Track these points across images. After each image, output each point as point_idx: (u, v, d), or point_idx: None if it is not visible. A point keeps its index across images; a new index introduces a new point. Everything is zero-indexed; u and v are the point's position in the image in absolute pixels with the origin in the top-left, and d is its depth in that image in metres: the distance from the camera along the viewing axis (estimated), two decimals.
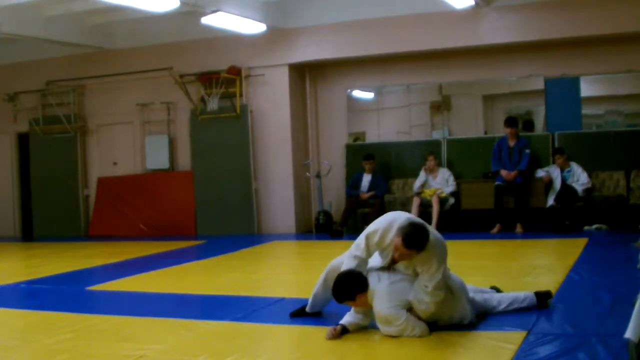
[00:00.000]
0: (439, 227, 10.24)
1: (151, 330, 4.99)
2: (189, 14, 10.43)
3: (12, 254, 11.13)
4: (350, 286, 4.41)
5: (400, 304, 4.38)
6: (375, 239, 4.51)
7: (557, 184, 10.11)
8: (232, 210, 11.81)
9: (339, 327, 4.47)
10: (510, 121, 10.51)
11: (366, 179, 11.24)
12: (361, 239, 4.57)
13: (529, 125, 11.31)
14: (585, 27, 10.03)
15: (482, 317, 4.75)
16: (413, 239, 4.24)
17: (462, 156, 11.19)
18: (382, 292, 4.41)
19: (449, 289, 4.49)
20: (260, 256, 9.43)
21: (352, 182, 11.38)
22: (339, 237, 10.57)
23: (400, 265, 4.50)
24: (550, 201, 10.03)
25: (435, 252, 4.35)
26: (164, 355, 4.27)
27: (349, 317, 4.55)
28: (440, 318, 4.49)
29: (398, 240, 4.28)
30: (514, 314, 4.84)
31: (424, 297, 4.34)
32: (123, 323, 5.26)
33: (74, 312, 5.68)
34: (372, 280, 4.48)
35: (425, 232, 4.31)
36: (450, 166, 11.06)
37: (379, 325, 4.44)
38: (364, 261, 4.56)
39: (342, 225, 10.95)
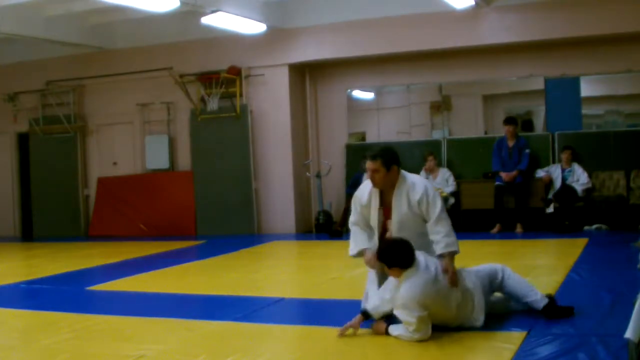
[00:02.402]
0: None
1: (151, 330, 4.99)
2: (189, 14, 10.43)
3: (12, 254, 11.13)
4: (395, 254, 4.39)
5: (427, 302, 4.31)
6: (357, 200, 4.81)
7: (558, 184, 10.12)
8: (232, 210, 11.80)
9: (359, 317, 4.48)
10: (509, 119, 10.52)
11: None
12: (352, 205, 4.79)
13: (528, 125, 11.31)
14: (585, 27, 10.02)
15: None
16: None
17: (462, 156, 11.19)
18: (420, 281, 4.34)
19: (464, 290, 4.50)
20: (260, 256, 9.43)
21: (352, 182, 11.36)
22: (339, 237, 10.56)
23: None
24: (550, 209, 10.01)
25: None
26: (164, 355, 4.27)
27: (374, 301, 4.54)
28: (448, 322, 4.48)
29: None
30: (515, 314, 4.84)
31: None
32: (123, 323, 5.26)
33: (74, 312, 5.68)
34: (420, 261, 4.44)
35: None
36: (450, 166, 11.06)
37: (393, 303, 4.39)
38: (361, 228, 4.77)
39: (342, 225, 10.93)
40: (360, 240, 4.77)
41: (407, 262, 4.37)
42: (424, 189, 4.62)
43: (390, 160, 4.68)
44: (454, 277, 4.49)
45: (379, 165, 4.64)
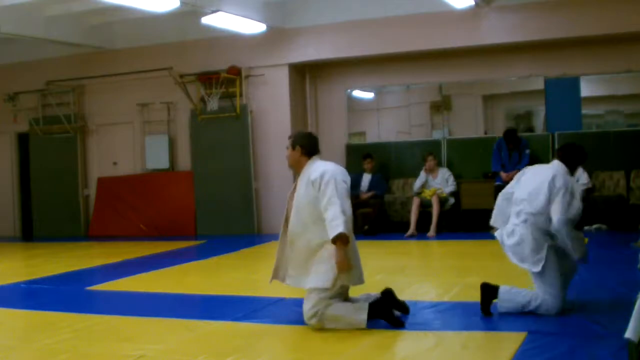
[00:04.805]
0: (439, 227, 10.29)
1: (151, 330, 4.99)
2: (189, 14, 10.43)
3: (12, 254, 11.13)
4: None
5: None
6: None
7: None
8: (232, 210, 11.80)
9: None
10: (509, 137, 10.35)
11: (366, 178, 11.24)
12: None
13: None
14: (585, 27, 10.02)
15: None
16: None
17: (462, 156, 11.19)
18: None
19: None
20: (260, 256, 9.42)
21: (352, 182, 11.33)
22: None
23: None
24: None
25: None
26: (164, 355, 4.27)
27: None
28: None
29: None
30: (514, 315, 4.84)
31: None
32: (123, 323, 5.26)
33: (74, 312, 5.68)
34: None
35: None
36: (450, 166, 11.06)
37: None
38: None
39: None
40: None
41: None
42: (322, 172, 4.67)
43: (296, 141, 4.90)
44: (341, 264, 4.52)
45: (288, 144, 4.93)
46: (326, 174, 4.65)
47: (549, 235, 4.81)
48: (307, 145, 4.87)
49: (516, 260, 4.92)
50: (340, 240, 4.49)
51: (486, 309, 4.87)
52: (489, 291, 4.90)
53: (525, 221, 4.87)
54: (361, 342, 4.37)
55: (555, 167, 4.97)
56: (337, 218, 4.49)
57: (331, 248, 4.56)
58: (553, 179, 4.83)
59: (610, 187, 10.24)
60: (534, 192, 4.87)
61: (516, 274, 6.55)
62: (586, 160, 5.24)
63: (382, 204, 10.97)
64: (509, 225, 5.00)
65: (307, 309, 4.65)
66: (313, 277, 4.66)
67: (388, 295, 4.83)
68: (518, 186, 5.09)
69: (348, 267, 4.57)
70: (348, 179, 4.76)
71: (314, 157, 4.86)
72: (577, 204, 4.77)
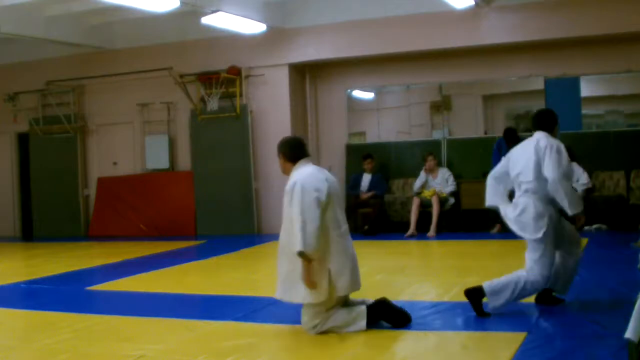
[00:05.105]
0: (439, 227, 10.29)
1: (151, 330, 4.99)
2: (189, 14, 10.43)
3: (12, 254, 11.13)
4: None
5: None
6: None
7: None
8: (232, 210, 11.80)
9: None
10: (509, 136, 10.34)
11: (366, 178, 11.24)
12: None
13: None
14: (585, 27, 10.02)
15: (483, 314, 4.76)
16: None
17: (462, 156, 11.19)
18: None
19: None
20: (260, 256, 9.42)
21: (352, 182, 11.38)
22: None
23: None
24: None
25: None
26: (164, 355, 4.27)
27: None
28: None
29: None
30: (514, 315, 4.84)
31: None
32: (123, 323, 5.26)
33: (74, 312, 5.68)
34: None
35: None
36: (450, 166, 11.06)
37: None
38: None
39: None
40: None
41: None
42: (294, 182, 4.57)
43: (279, 148, 4.88)
44: (304, 281, 4.47)
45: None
46: (297, 184, 4.54)
47: (550, 202, 4.91)
48: (287, 152, 4.80)
49: (517, 229, 5.00)
50: (302, 257, 4.43)
51: (480, 311, 4.88)
52: (474, 294, 4.93)
53: (526, 191, 4.99)
54: (361, 342, 4.37)
55: (535, 135, 5.22)
56: (297, 235, 4.40)
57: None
58: (537, 143, 5.06)
59: (610, 187, 10.24)
60: (525, 162, 5.04)
61: None
62: (557, 121, 5.44)
63: (382, 204, 10.97)
64: (514, 200, 5.10)
65: (305, 321, 4.61)
66: (302, 292, 4.55)
67: (382, 304, 4.70)
68: (510, 165, 5.22)
69: (311, 285, 4.47)
70: (323, 185, 4.54)
71: (300, 162, 4.74)
72: (565, 159, 4.96)
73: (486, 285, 4.91)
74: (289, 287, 4.63)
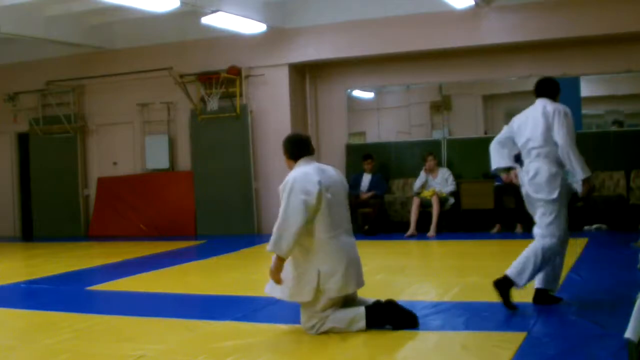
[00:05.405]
0: (439, 227, 10.29)
1: (151, 330, 4.99)
2: (189, 14, 10.43)
3: (12, 254, 11.13)
4: None
5: None
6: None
7: None
8: (232, 210, 11.80)
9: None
10: None
11: (366, 178, 11.25)
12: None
13: None
14: (585, 27, 10.02)
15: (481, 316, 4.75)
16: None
17: (462, 156, 11.19)
18: None
19: None
20: (260, 256, 9.40)
21: (352, 182, 11.37)
22: None
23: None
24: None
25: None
26: (164, 355, 4.27)
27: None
28: None
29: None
30: (514, 315, 4.84)
31: None
32: (123, 323, 5.26)
33: (74, 312, 5.68)
34: None
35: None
36: (450, 166, 11.06)
37: None
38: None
39: None
40: None
41: None
42: (286, 180, 4.57)
43: (283, 146, 4.83)
44: (272, 276, 4.55)
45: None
46: (287, 183, 4.53)
47: (561, 166, 5.03)
48: (288, 149, 4.78)
49: (532, 191, 5.07)
50: (276, 256, 4.53)
51: (508, 302, 4.91)
52: (503, 285, 4.94)
53: (537, 156, 5.07)
54: (361, 342, 4.37)
55: (538, 102, 5.28)
56: (273, 233, 4.52)
57: (296, 258, 4.57)
58: (544, 108, 5.13)
59: (610, 187, 10.23)
60: (533, 128, 5.12)
61: None
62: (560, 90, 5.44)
63: (382, 204, 10.97)
64: (524, 167, 5.15)
65: (303, 322, 4.61)
66: (285, 289, 4.59)
67: (390, 306, 4.66)
68: (516, 133, 5.30)
69: (276, 280, 4.54)
70: (314, 188, 4.45)
71: (301, 160, 4.70)
72: (572, 123, 5.06)
73: (509, 272, 4.95)
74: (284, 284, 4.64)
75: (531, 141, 5.11)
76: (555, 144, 4.97)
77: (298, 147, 4.76)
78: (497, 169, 5.38)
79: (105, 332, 4.97)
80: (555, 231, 4.99)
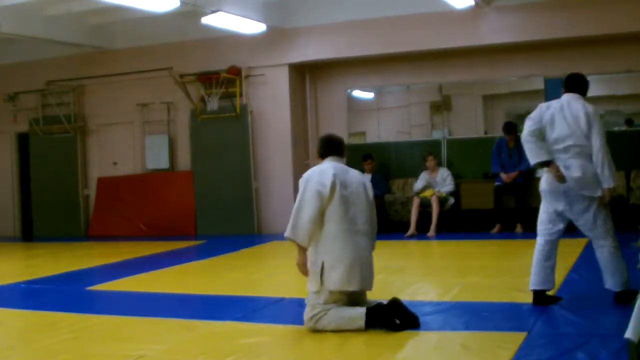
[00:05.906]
0: (439, 227, 10.29)
1: (151, 330, 4.99)
2: (189, 14, 10.42)
3: (12, 254, 11.13)
4: None
5: None
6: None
7: None
8: (232, 210, 11.80)
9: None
10: (509, 128, 10.42)
11: (366, 179, 11.22)
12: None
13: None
14: (585, 27, 10.02)
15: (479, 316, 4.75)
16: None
17: (462, 156, 11.19)
18: None
19: None
20: (260, 256, 9.43)
21: None
22: None
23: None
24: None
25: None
26: (164, 355, 4.27)
27: None
28: None
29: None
30: (514, 315, 4.84)
31: None
32: (123, 323, 5.26)
33: (74, 312, 5.68)
34: None
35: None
36: (450, 166, 11.06)
37: None
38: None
39: None
40: None
41: None
42: (305, 175, 4.78)
43: (317, 149, 5.03)
44: (297, 266, 4.70)
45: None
46: (304, 178, 4.75)
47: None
48: (318, 148, 5.01)
49: (578, 189, 5.07)
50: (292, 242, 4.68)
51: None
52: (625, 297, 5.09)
53: (579, 153, 5.07)
54: (361, 342, 4.36)
55: (569, 97, 5.35)
56: (290, 220, 4.64)
57: (312, 251, 4.69)
58: (584, 107, 5.21)
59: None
60: (573, 125, 5.12)
61: (516, 274, 6.57)
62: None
63: (382, 204, 10.96)
64: (563, 162, 5.11)
65: (306, 312, 4.69)
66: (309, 279, 4.75)
67: (394, 305, 4.68)
68: (547, 126, 5.21)
69: (301, 271, 4.70)
70: (328, 181, 4.64)
71: (327, 159, 4.90)
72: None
73: (612, 286, 5.22)
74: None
75: (570, 138, 5.08)
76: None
77: (326, 147, 4.96)
78: (538, 163, 5.21)
79: (105, 332, 4.97)
80: (610, 229, 5.24)
